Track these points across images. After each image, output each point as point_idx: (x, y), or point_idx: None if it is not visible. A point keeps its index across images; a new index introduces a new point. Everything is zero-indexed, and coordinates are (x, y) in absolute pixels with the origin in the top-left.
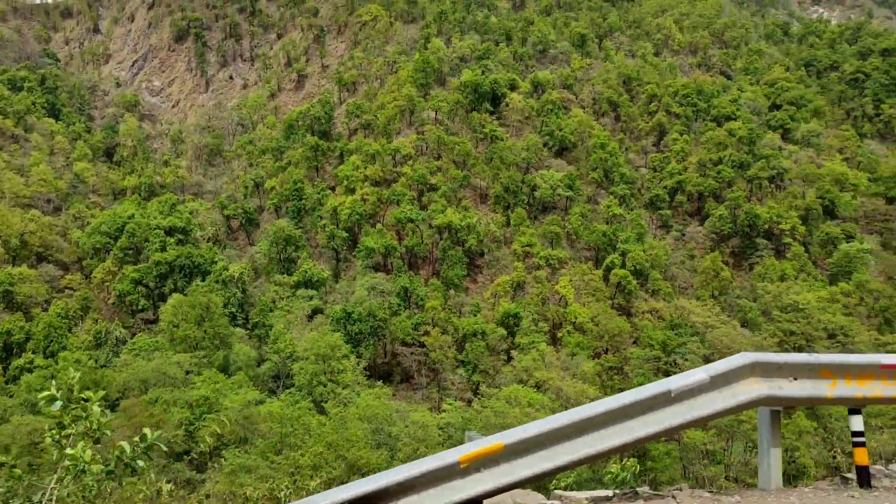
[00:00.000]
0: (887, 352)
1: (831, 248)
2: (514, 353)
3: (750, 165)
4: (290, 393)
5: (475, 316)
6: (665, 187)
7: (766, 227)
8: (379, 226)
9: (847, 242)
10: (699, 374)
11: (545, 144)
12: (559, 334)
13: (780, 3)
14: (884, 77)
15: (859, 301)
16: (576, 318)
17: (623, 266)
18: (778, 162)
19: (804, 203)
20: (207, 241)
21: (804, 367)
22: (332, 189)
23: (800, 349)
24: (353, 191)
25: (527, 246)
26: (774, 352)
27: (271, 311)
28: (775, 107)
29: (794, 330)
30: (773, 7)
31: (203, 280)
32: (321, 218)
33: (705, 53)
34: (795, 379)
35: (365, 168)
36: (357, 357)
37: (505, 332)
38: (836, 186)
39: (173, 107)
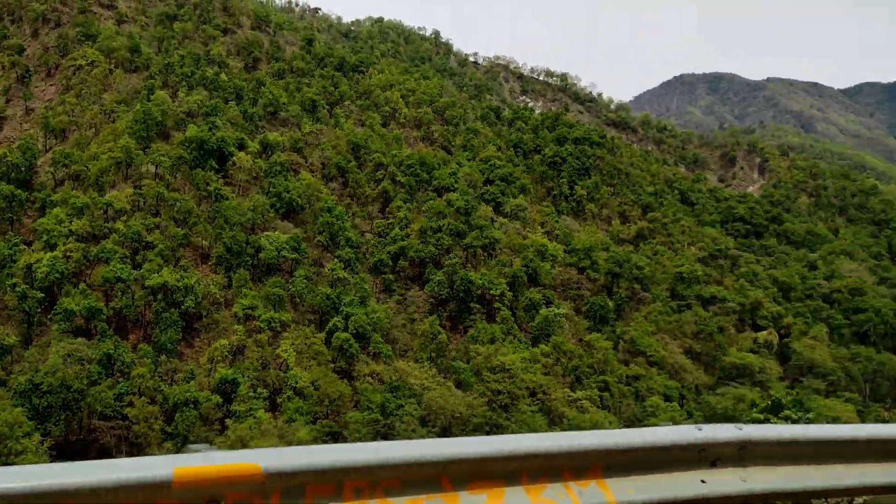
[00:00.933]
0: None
1: (534, 313)
2: (228, 421)
3: (466, 234)
4: None
5: (188, 383)
6: (389, 252)
7: (480, 292)
8: (83, 285)
9: (547, 307)
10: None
11: (272, 206)
12: (279, 400)
13: (494, 91)
14: (576, 162)
15: (555, 361)
16: (297, 382)
17: (346, 329)
18: (490, 232)
19: (511, 271)
20: None
21: None
22: (29, 244)
23: (505, 407)
24: (53, 247)
25: (249, 308)
26: (483, 410)
27: None
28: (489, 181)
29: (501, 389)
30: (489, 93)
31: None
32: (11, 276)
33: (429, 128)
34: None
35: (70, 222)
36: (43, 435)
37: (220, 399)
38: (538, 257)
39: None
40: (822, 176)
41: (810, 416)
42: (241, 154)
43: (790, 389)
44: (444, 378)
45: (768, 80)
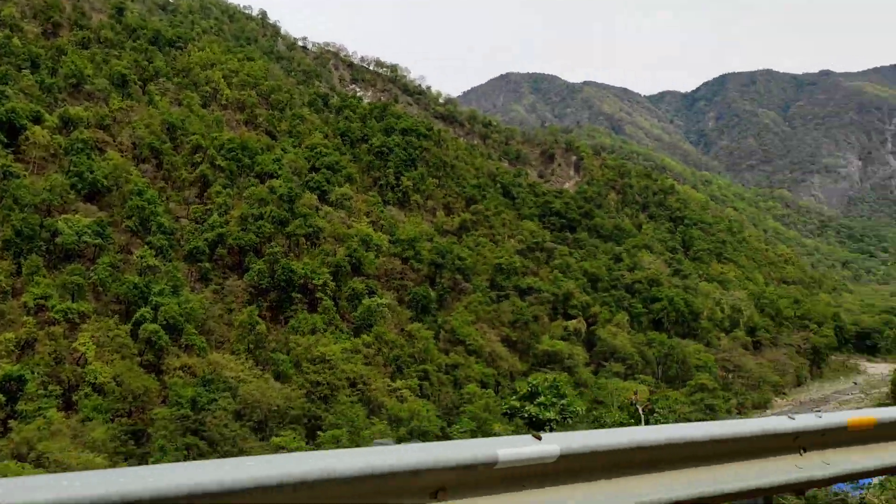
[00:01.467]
0: None
1: (357, 303)
2: (12, 423)
3: (289, 222)
4: None
5: None
6: (206, 240)
7: (302, 281)
8: None
9: (370, 297)
10: None
11: (73, 186)
12: (75, 397)
13: (324, 78)
14: (403, 153)
15: (377, 351)
16: (96, 378)
17: (155, 320)
18: (314, 221)
19: (335, 260)
20: None
21: None
22: None
23: (325, 399)
24: None
25: (41, 298)
26: (302, 402)
27: None
28: (314, 169)
29: (321, 380)
30: (317, 79)
31: None
32: None
33: (252, 112)
34: None
35: None
36: None
37: (3, 398)
38: (362, 246)
39: None
40: (628, 175)
41: (564, 401)
42: (37, 128)
43: (594, 374)
44: (261, 370)
45: (585, 83)
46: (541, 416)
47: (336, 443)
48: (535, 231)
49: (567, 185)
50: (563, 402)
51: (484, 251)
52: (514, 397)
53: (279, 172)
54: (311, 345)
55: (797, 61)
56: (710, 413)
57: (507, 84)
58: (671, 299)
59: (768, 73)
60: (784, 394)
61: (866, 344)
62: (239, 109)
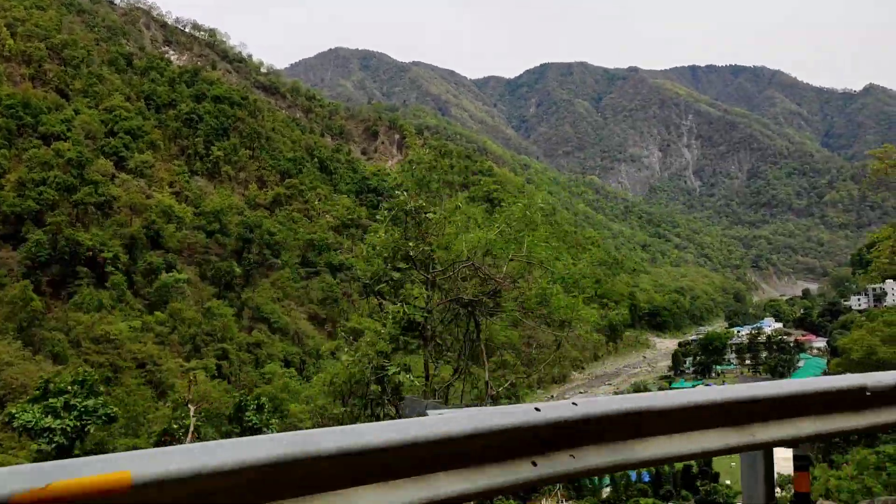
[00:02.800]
0: None
1: (153, 278)
2: None
3: (78, 189)
4: None
5: None
6: None
7: (90, 254)
8: None
9: (167, 273)
10: None
11: None
12: None
13: (133, 37)
14: (214, 121)
15: (172, 329)
16: None
17: None
18: (108, 189)
19: (129, 231)
20: None
21: None
22: None
23: (107, 381)
24: None
25: None
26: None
27: None
28: (112, 134)
29: (102, 361)
30: (125, 38)
31: None
32: None
33: (40, 67)
34: None
35: None
36: None
37: None
38: (162, 218)
39: None
40: (449, 155)
41: (90, 402)
42: None
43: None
44: (32, 352)
45: (413, 63)
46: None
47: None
48: (351, 207)
49: (390, 163)
50: (90, 402)
51: (297, 227)
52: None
53: (68, 135)
54: (93, 323)
55: (609, 57)
56: (512, 388)
57: (337, 59)
58: None
59: (583, 66)
60: (583, 368)
61: (657, 321)
62: (24, 63)
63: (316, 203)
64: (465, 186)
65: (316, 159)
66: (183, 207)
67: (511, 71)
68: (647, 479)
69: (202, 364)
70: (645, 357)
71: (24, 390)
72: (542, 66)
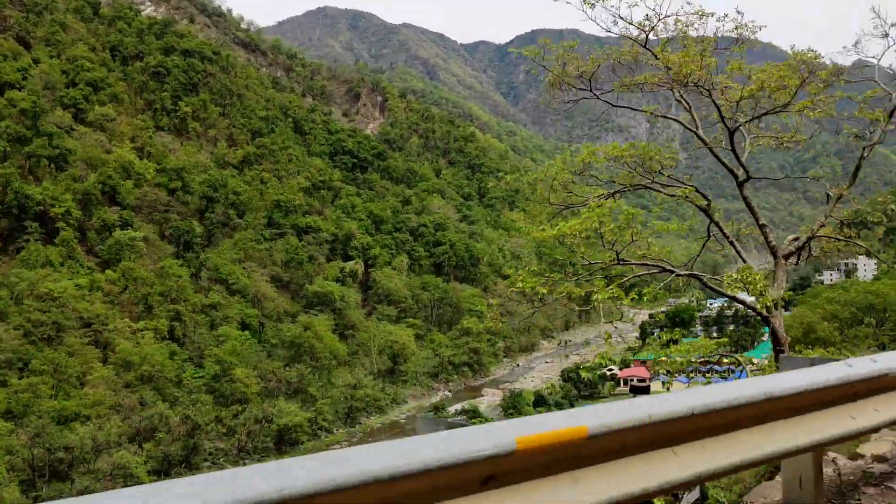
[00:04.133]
0: None
1: (107, 235)
2: None
3: (31, 141)
4: None
5: None
6: None
7: (40, 209)
8: None
9: (122, 230)
10: None
11: None
12: None
13: None
14: (184, 76)
15: (123, 289)
16: None
17: None
18: (63, 142)
19: (83, 187)
20: None
21: None
22: None
23: (49, 340)
24: None
25: None
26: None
27: None
28: (73, 84)
29: (45, 320)
30: None
31: None
32: None
33: (0, 13)
34: None
35: None
36: None
37: None
38: (121, 174)
39: None
40: (432, 119)
41: None
42: None
43: (368, 315)
44: None
45: (403, 25)
46: None
47: (33, 393)
48: (324, 169)
49: (371, 126)
50: None
51: (266, 187)
52: None
53: (23, 84)
54: (37, 280)
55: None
56: (475, 356)
57: (325, 18)
58: (453, 244)
59: (575, 33)
60: (552, 337)
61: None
62: None
63: (287, 164)
64: (445, 152)
65: (290, 119)
66: (144, 164)
67: (502, 36)
68: None
69: (152, 325)
70: (616, 327)
71: None
72: (532, 31)
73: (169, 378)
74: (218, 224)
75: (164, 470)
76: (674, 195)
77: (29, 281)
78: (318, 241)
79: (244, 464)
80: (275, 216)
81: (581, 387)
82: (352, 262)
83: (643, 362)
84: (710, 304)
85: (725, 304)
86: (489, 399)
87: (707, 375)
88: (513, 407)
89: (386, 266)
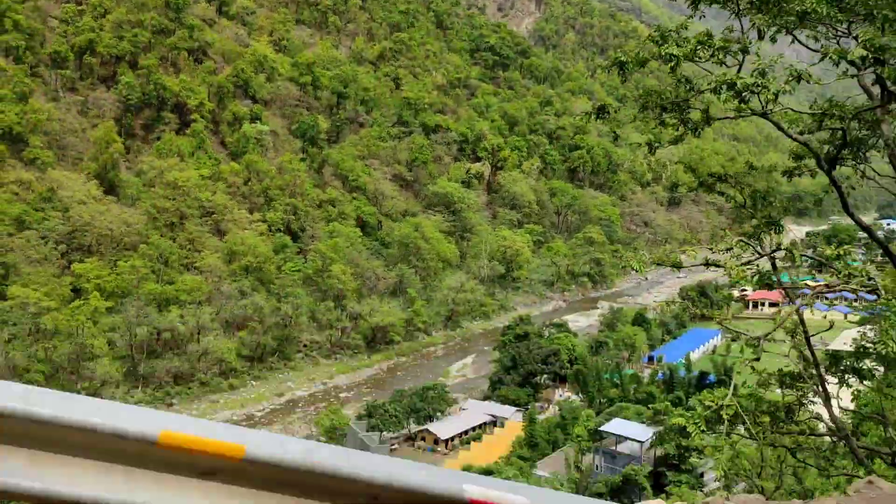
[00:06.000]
0: None
1: (237, 128)
2: None
3: (173, 33)
4: None
5: None
6: (72, 45)
7: (176, 100)
8: None
9: (251, 123)
10: None
11: None
12: None
13: None
14: None
15: (245, 181)
16: None
17: None
18: (203, 34)
19: (218, 80)
20: None
21: None
22: None
23: (172, 226)
24: None
25: None
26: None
27: None
28: None
29: (169, 207)
30: None
31: None
32: None
33: None
34: None
35: None
36: None
37: None
38: (254, 67)
39: None
40: (590, 14)
41: None
42: None
43: (493, 218)
44: (104, 192)
45: None
46: None
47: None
48: (462, 66)
49: (525, 22)
50: None
51: (400, 84)
52: None
53: None
54: (165, 169)
55: None
56: (596, 266)
57: None
58: (590, 149)
59: None
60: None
61: (797, 206)
62: None
63: (424, 60)
64: (603, 50)
65: (432, 13)
66: (280, 57)
67: None
68: (661, 377)
69: (270, 218)
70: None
71: (86, 229)
72: None
73: (270, 271)
74: (346, 121)
75: (257, 357)
76: None
77: (159, 169)
78: (447, 141)
79: (336, 359)
80: (404, 114)
81: (700, 305)
82: (479, 164)
83: (781, 284)
84: (887, 225)
85: None
86: (600, 313)
87: (854, 304)
88: (609, 326)
89: (515, 169)
